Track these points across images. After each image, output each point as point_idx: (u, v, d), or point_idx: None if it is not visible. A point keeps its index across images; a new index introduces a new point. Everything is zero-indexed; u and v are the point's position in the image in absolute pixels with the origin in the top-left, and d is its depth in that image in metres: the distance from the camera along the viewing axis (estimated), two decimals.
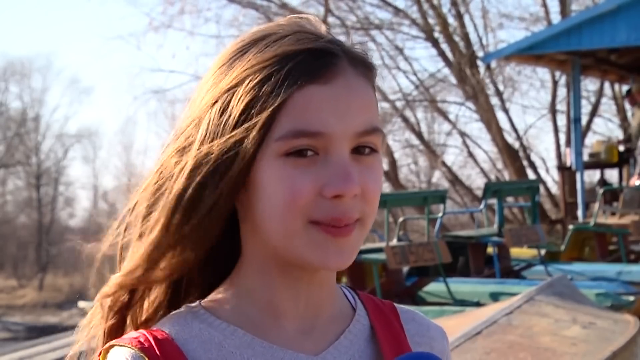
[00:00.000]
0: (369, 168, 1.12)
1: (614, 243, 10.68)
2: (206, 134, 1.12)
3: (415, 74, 19.22)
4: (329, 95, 1.09)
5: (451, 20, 18.51)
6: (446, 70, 18.84)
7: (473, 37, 18.92)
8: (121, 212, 1.22)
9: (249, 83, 1.10)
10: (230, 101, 1.11)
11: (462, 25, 18.41)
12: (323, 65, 1.10)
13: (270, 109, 1.09)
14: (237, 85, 1.11)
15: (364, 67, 1.14)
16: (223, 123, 1.11)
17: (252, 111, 1.10)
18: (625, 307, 7.19)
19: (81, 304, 10.50)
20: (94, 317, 1.21)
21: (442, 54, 18.35)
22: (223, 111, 1.12)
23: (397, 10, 18.57)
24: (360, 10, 18.59)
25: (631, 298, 7.58)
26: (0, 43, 53.63)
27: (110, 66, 59.09)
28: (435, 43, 18.26)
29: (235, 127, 1.11)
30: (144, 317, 1.20)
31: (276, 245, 1.12)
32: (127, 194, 1.22)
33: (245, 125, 1.10)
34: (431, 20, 18.39)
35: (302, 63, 1.10)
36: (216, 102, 1.13)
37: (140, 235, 1.17)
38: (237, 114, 1.10)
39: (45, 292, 32.75)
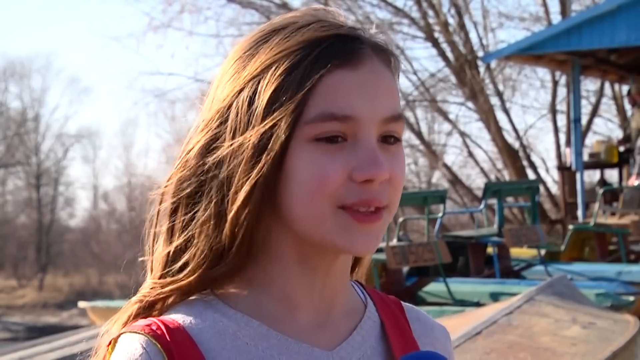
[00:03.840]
0: (394, 155, 1.12)
1: (614, 243, 10.68)
2: (236, 125, 1.11)
3: (415, 73, 19.22)
4: (358, 80, 1.10)
5: (451, 20, 18.52)
6: (446, 70, 18.85)
7: (473, 37, 18.95)
8: (145, 211, 1.20)
9: (276, 69, 1.10)
10: (257, 88, 1.10)
11: (462, 25, 18.41)
12: (351, 51, 1.11)
13: (301, 93, 1.08)
14: (262, 72, 1.11)
15: (386, 56, 1.15)
16: (252, 112, 1.10)
17: (283, 97, 1.09)
18: (625, 307, 7.18)
19: (81, 304, 10.51)
20: (119, 317, 1.17)
21: (442, 54, 18.35)
22: (250, 99, 1.11)
23: (396, 10, 18.57)
24: (360, 10, 18.60)
25: (631, 298, 7.58)
26: (0, 43, 53.67)
27: (110, 66, 59.15)
28: (435, 43, 18.26)
29: (265, 114, 1.10)
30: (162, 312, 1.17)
31: (302, 230, 1.11)
32: (133, 195, 1.20)
33: (277, 112, 1.09)
34: (431, 20, 18.39)
35: (329, 48, 1.10)
36: (242, 90, 1.12)
37: (171, 235, 1.15)
38: (266, 101, 1.09)
39: (45, 292, 32.74)
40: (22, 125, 37.44)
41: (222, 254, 1.13)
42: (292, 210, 1.10)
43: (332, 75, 1.09)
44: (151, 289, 1.16)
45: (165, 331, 1.10)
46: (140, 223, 1.21)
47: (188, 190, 1.14)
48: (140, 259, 1.21)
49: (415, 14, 18.51)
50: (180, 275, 1.14)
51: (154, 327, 1.10)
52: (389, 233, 7.80)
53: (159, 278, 1.16)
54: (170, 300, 1.16)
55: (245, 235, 1.12)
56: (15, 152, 37.36)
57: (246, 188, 1.10)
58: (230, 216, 1.11)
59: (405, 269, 8.26)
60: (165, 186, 1.17)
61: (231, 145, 1.11)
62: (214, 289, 1.15)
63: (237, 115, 1.11)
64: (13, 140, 37.20)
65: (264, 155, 1.09)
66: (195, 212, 1.14)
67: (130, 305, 1.16)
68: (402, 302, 1.28)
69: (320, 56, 1.10)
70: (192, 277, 1.14)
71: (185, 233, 1.15)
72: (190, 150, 1.15)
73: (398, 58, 1.17)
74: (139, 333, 1.10)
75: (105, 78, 57.58)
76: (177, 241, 1.15)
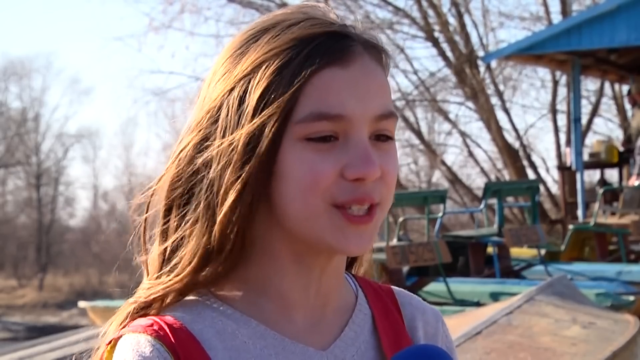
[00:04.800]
0: (387, 153, 1.12)
1: (614, 243, 10.67)
2: (226, 124, 1.11)
3: (415, 73, 19.23)
4: (348, 78, 1.10)
5: (451, 19, 18.52)
6: (446, 70, 18.85)
7: (473, 36, 18.94)
8: (133, 211, 1.20)
9: (266, 68, 1.10)
10: (247, 87, 1.10)
11: (462, 24, 18.41)
12: (341, 49, 1.11)
13: (290, 92, 1.08)
14: (253, 71, 1.11)
15: (377, 52, 1.14)
16: (242, 111, 1.10)
17: (272, 96, 1.09)
18: (625, 307, 7.18)
19: (81, 304, 10.51)
20: (115, 319, 1.17)
21: (442, 53, 18.35)
22: (241, 99, 1.10)
23: (397, 10, 18.57)
24: (360, 10, 18.58)
25: (631, 298, 7.58)
26: (0, 43, 53.66)
27: (111, 66, 59.13)
28: (435, 42, 18.26)
29: (254, 113, 1.09)
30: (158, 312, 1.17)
31: (296, 229, 1.11)
32: (132, 194, 1.20)
33: (267, 110, 1.08)
34: (431, 20, 18.39)
35: (320, 46, 1.10)
36: (232, 89, 1.11)
37: (165, 236, 1.15)
38: (256, 100, 1.09)
39: (45, 292, 32.73)
40: (22, 125, 37.43)
41: (213, 253, 1.13)
42: (286, 209, 1.10)
43: (322, 73, 1.09)
44: (147, 289, 1.15)
45: (168, 331, 1.09)
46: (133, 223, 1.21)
47: (180, 190, 1.14)
48: (137, 259, 1.20)
49: (416, 13, 18.52)
50: (172, 276, 1.14)
51: (156, 328, 1.10)
52: (389, 233, 7.80)
53: (155, 279, 1.16)
54: (168, 300, 1.15)
55: (237, 236, 1.11)
56: (15, 152, 37.34)
57: (236, 187, 1.10)
58: (220, 217, 1.11)
59: (405, 269, 8.26)
60: (157, 186, 1.17)
61: (221, 144, 1.11)
62: (210, 287, 1.16)
63: (227, 115, 1.11)
64: (13, 140, 37.19)
65: (254, 155, 1.09)
66: (187, 212, 1.14)
67: (127, 306, 1.16)
68: (394, 288, 1.27)
69: (311, 54, 1.09)
70: (183, 278, 1.13)
71: (178, 233, 1.15)
72: (182, 151, 1.14)
73: (389, 54, 1.17)
74: (142, 333, 1.09)
75: (105, 78, 57.61)
76: (170, 241, 1.15)
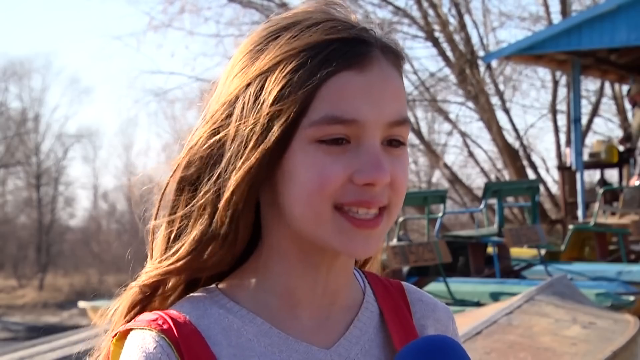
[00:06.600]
0: (397, 159, 1.13)
1: (614, 243, 10.67)
2: (241, 118, 1.12)
3: (415, 73, 19.21)
4: (364, 84, 1.10)
5: (452, 19, 18.52)
6: (447, 70, 18.85)
7: (474, 36, 18.94)
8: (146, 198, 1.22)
9: (284, 67, 1.10)
10: (264, 85, 1.11)
11: (463, 24, 18.41)
12: (359, 53, 1.11)
13: (306, 91, 1.08)
14: (270, 69, 1.11)
15: (395, 57, 1.15)
16: (257, 107, 1.11)
17: (287, 94, 1.09)
18: (625, 307, 7.18)
19: (81, 304, 10.52)
20: (120, 304, 1.19)
21: (442, 53, 18.34)
22: (257, 95, 1.11)
23: (397, 9, 18.56)
24: (360, 9, 18.58)
25: (631, 298, 7.58)
26: (0, 43, 53.65)
27: (111, 66, 59.07)
28: (435, 42, 18.26)
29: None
30: (163, 301, 1.19)
31: (302, 230, 1.12)
32: (136, 186, 1.21)
33: (280, 107, 1.09)
34: (431, 20, 18.39)
35: (338, 50, 1.10)
36: (249, 85, 1.12)
37: (172, 221, 1.16)
38: (273, 97, 1.10)
39: (45, 292, 32.72)
40: (22, 125, 37.42)
41: (211, 239, 1.14)
42: (292, 210, 1.11)
43: (339, 77, 1.09)
44: (146, 272, 1.17)
45: (172, 325, 1.11)
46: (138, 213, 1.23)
47: (189, 178, 1.16)
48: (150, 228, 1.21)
49: (416, 13, 18.51)
50: (171, 260, 1.16)
51: (160, 322, 1.11)
52: (389, 233, 7.79)
53: (158, 263, 1.18)
54: (169, 285, 1.17)
55: (232, 223, 1.13)
56: (15, 152, 37.33)
57: (238, 175, 1.11)
58: (221, 203, 1.13)
59: (405, 269, 8.26)
60: (171, 175, 1.18)
61: (233, 136, 1.12)
62: (217, 283, 1.17)
63: (242, 109, 1.12)
64: (13, 140, 37.18)
65: (261, 147, 1.10)
66: (195, 200, 1.15)
67: (129, 290, 1.18)
68: (405, 283, 1.28)
69: (328, 57, 1.10)
70: (181, 262, 1.15)
71: (183, 219, 1.16)
72: (197, 141, 1.16)
73: (405, 58, 1.17)
74: (146, 329, 1.11)
75: (105, 78, 57.60)
76: (176, 225, 1.16)
